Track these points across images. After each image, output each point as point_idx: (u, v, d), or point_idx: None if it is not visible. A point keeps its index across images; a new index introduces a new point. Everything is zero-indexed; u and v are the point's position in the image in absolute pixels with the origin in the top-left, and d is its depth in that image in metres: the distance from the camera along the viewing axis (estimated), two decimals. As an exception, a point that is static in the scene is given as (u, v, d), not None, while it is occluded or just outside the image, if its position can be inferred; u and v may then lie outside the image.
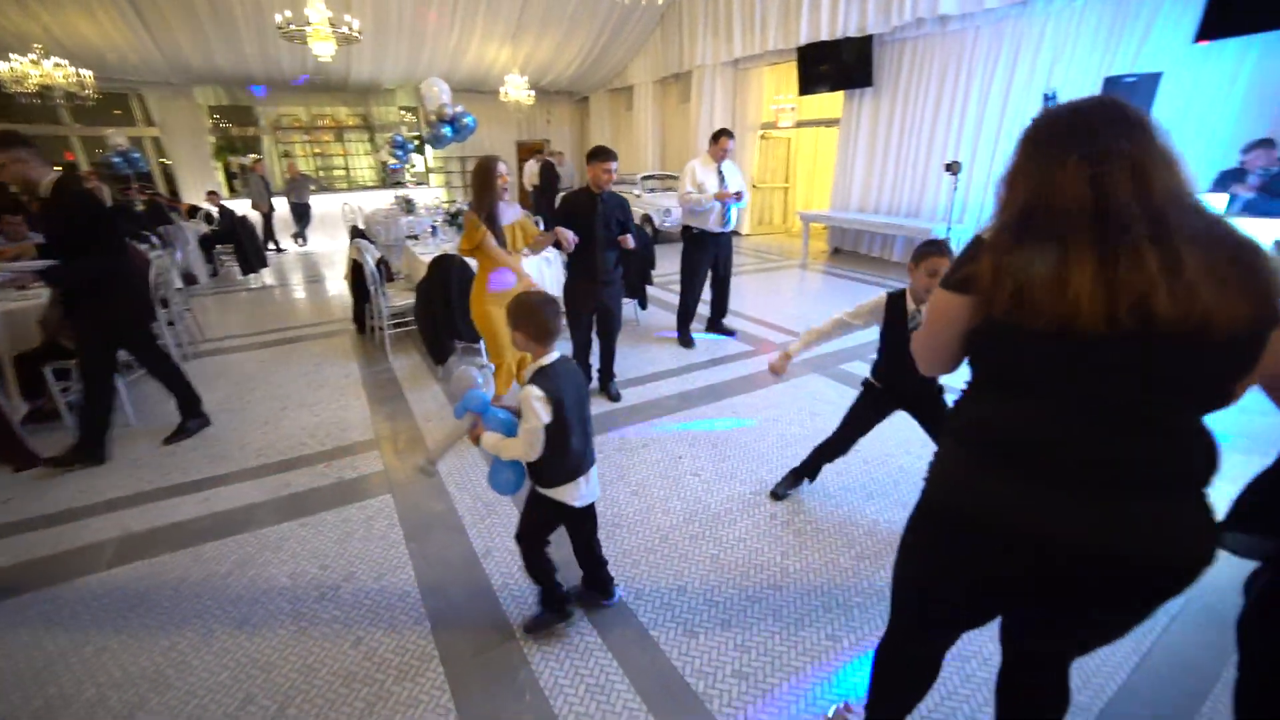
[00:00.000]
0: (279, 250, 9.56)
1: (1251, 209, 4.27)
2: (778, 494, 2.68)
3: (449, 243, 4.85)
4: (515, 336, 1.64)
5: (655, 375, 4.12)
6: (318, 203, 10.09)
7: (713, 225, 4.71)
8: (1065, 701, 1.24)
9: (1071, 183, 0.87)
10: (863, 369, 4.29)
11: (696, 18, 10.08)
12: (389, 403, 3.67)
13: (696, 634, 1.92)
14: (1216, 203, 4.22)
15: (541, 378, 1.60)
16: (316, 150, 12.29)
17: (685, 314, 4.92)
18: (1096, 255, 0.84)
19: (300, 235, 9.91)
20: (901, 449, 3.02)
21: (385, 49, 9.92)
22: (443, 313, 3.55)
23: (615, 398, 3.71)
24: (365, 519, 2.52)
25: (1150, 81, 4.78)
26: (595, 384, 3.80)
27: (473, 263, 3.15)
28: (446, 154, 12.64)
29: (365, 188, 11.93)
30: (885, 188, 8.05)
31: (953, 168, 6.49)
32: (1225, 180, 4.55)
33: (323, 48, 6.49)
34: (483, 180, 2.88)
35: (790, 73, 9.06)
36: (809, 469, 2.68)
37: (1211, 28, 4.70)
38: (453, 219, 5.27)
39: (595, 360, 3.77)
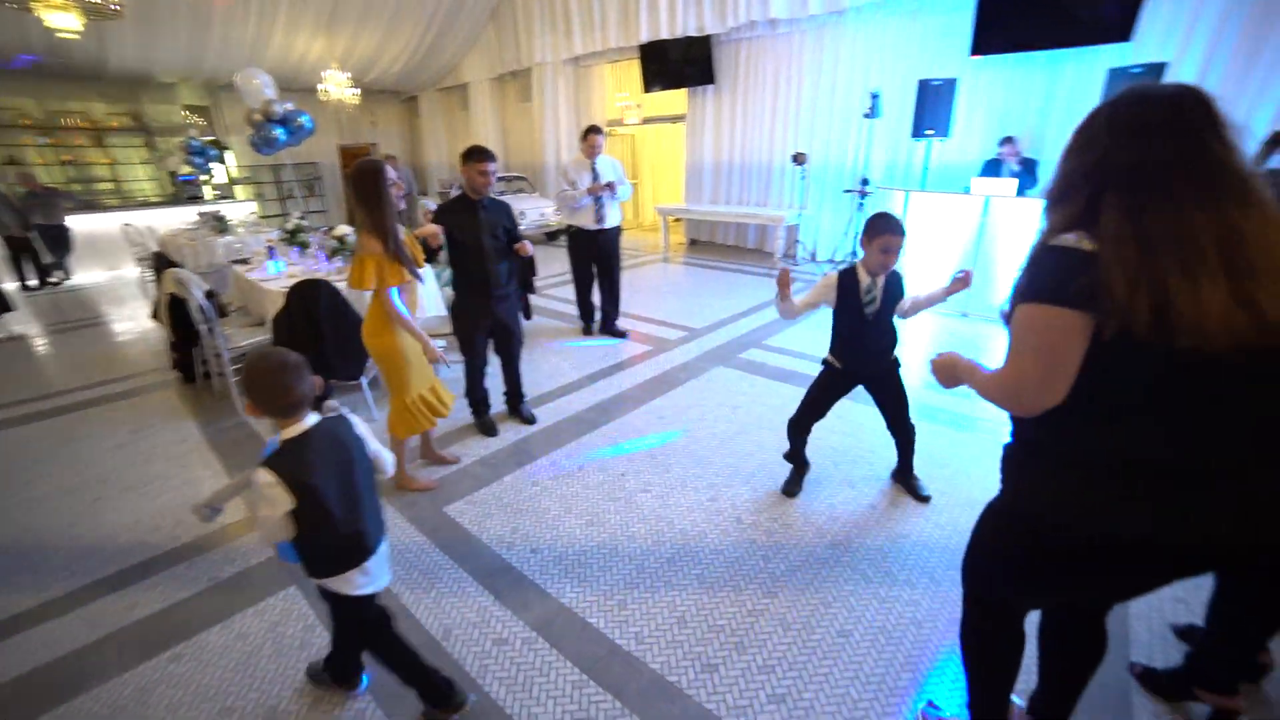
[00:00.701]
0: (27, 288, 7.45)
1: (1021, 189, 5.22)
2: (792, 492, 2.64)
3: (298, 265, 4.08)
4: (247, 405, 1.36)
5: (562, 389, 3.87)
6: (79, 224, 7.97)
7: (589, 222, 4.62)
8: (1106, 641, 1.34)
9: (1192, 181, 0.85)
10: (762, 356, 4.46)
11: (532, 14, 9.76)
12: (253, 465, 2.95)
13: (715, 667, 1.77)
14: (1000, 186, 5.08)
15: (281, 458, 1.32)
16: (65, 157, 9.55)
17: (581, 307, 5.06)
18: (1225, 269, 0.83)
19: (58, 266, 7.80)
20: (829, 429, 3.11)
21: (157, 31, 8.01)
22: (312, 348, 2.93)
23: (530, 420, 3.40)
24: (269, 626, 1.96)
25: (950, 85, 5.59)
26: (504, 408, 3.45)
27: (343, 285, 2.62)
28: (255, 161, 10.79)
29: (147, 203, 9.62)
30: (734, 180, 8.50)
31: (799, 159, 7.06)
32: (990, 168, 5.56)
33: (62, 19, 4.98)
34: (373, 191, 2.28)
35: (633, 70, 9.18)
36: (798, 455, 2.70)
37: (981, 46, 5.69)
38: (292, 236, 4.45)
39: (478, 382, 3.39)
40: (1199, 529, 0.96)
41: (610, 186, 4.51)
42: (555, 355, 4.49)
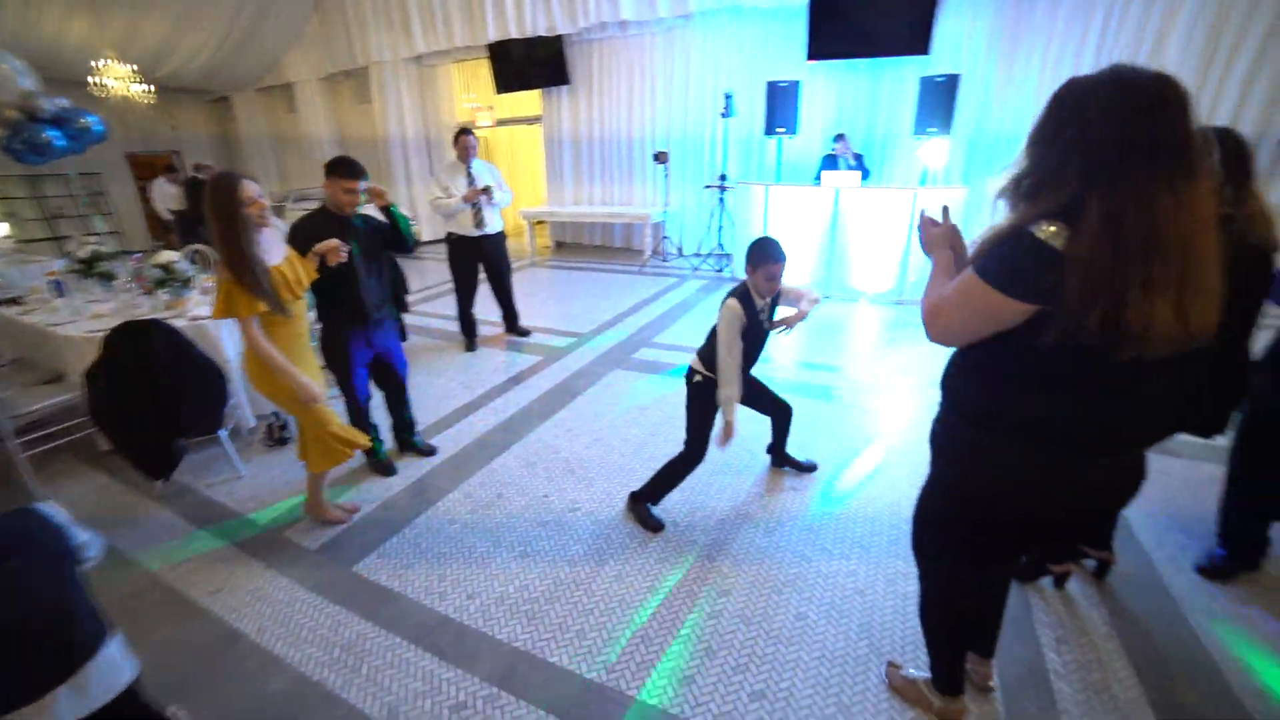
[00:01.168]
0: None
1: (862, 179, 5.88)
2: (657, 526, 2.44)
3: (105, 302, 3.32)
4: None
5: (458, 412, 3.60)
6: None
7: (469, 227, 4.39)
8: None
9: (1171, 171, 0.89)
10: (655, 354, 4.51)
11: (364, 9, 8.93)
12: (77, 560, 2.35)
13: (692, 678, 1.74)
14: (847, 178, 5.69)
15: None
16: None
17: (462, 321, 4.75)
18: (1177, 283, 0.89)
19: None
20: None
21: None
22: (151, 404, 2.39)
23: (429, 451, 3.11)
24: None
25: (794, 86, 6.09)
26: (393, 444, 3.12)
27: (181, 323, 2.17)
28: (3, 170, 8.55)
29: None
30: (596, 180, 8.54)
31: (660, 157, 7.26)
32: (828, 162, 6.13)
33: None
34: (223, 211, 1.92)
35: (482, 70, 8.81)
36: (655, 493, 2.49)
37: (815, 52, 6.31)
38: (88, 267, 3.60)
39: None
40: (1116, 492, 1.12)
41: (487, 191, 4.29)
42: (442, 378, 4.16)
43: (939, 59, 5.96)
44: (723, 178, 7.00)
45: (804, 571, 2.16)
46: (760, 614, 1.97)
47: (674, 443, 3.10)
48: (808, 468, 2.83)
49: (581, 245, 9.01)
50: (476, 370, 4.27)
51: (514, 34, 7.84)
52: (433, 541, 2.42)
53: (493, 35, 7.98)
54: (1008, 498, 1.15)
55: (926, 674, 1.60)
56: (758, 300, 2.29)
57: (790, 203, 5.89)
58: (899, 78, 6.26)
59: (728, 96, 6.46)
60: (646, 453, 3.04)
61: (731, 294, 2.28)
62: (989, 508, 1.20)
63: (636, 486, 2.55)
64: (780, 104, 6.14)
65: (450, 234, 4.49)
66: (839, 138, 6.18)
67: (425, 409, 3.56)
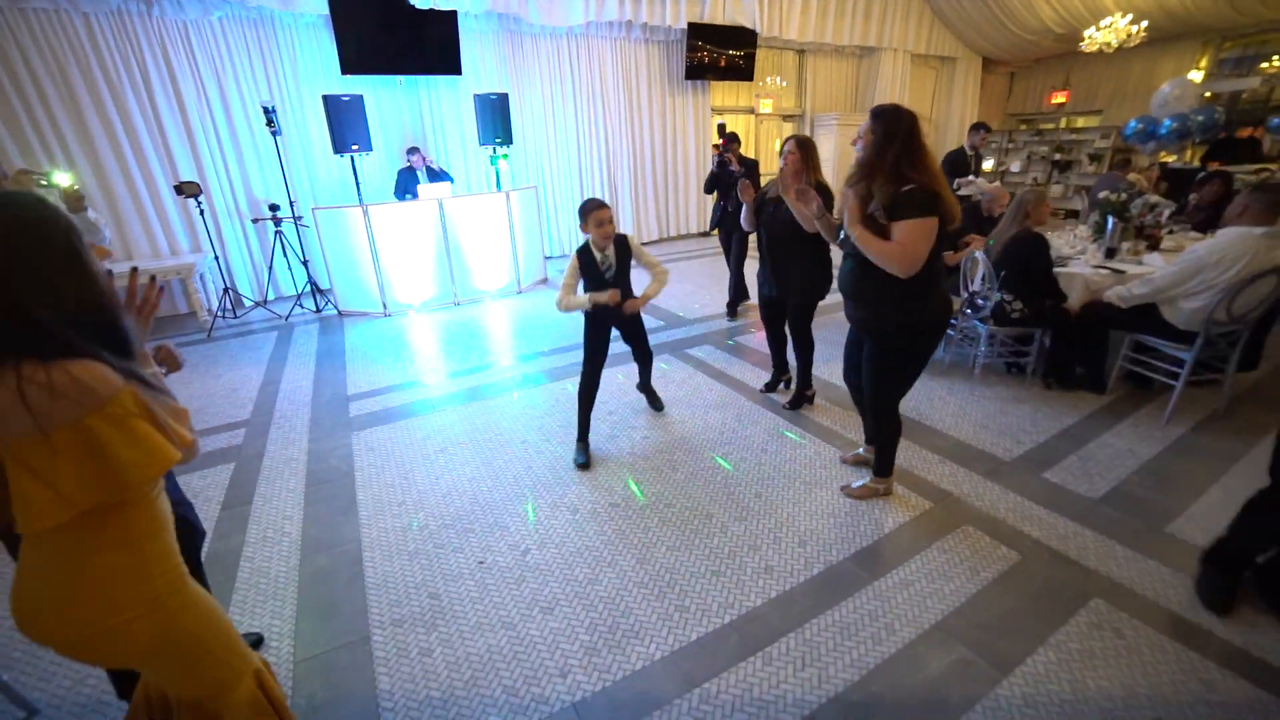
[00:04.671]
0: None
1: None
2: (584, 464, 3.02)
3: None
4: None
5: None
6: None
7: None
8: None
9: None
10: (373, 404, 4.10)
11: None
12: None
13: (770, 568, 2.35)
14: (441, 190, 6.05)
15: None
16: None
17: None
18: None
19: None
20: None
21: None
22: None
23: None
24: None
25: (358, 100, 5.77)
26: None
27: None
28: None
29: None
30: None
31: (186, 189, 5.59)
32: (405, 176, 6.35)
33: None
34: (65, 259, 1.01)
35: None
36: (581, 428, 3.10)
37: (348, 66, 6.20)
38: None
39: None
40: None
41: None
42: None
43: (474, 80, 6.85)
44: (274, 208, 5.99)
45: (729, 449, 2.97)
46: (751, 508, 2.66)
47: (510, 445, 3.28)
48: (658, 406, 3.55)
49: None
50: None
51: None
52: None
53: None
54: (939, 324, 2.22)
55: (864, 479, 2.64)
56: (596, 253, 2.86)
57: (395, 221, 5.78)
58: (457, 93, 6.92)
59: (269, 111, 5.50)
60: (496, 460, 3.11)
61: (578, 250, 2.87)
62: (931, 335, 2.24)
63: (533, 496, 2.84)
64: (347, 120, 5.72)
65: None
66: (413, 150, 6.31)
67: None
